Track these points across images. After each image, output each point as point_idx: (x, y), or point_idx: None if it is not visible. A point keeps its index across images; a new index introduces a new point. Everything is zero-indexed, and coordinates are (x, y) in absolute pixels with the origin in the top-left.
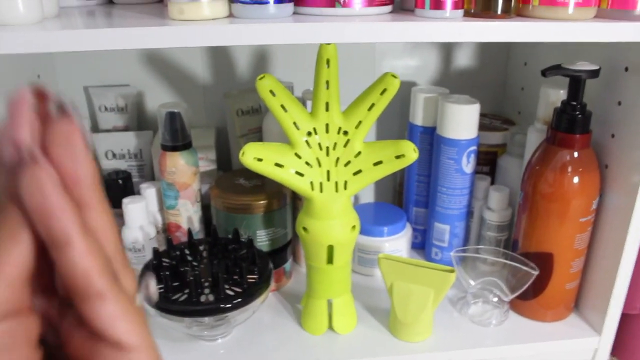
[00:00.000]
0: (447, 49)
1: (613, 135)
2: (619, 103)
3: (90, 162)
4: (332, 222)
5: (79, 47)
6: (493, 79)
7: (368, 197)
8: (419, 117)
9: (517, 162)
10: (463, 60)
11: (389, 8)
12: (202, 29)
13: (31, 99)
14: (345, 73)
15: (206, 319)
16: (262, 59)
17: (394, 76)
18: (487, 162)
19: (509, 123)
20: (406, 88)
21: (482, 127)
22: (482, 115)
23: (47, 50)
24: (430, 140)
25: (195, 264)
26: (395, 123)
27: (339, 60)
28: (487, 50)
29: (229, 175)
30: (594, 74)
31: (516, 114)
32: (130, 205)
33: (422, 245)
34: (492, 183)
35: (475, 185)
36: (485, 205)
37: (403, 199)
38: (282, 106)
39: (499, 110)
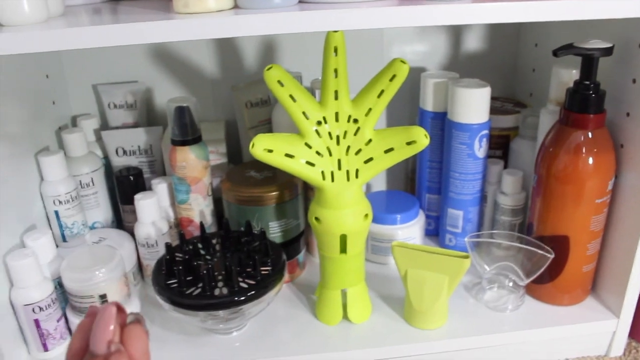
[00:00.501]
0: (456, 33)
1: (628, 114)
2: (634, 81)
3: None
4: (344, 212)
5: (85, 44)
6: (503, 62)
7: (380, 185)
8: (429, 103)
9: (530, 144)
10: (472, 43)
11: None
12: (207, 21)
13: (114, 311)
14: (354, 60)
15: (221, 313)
16: (269, 49)
17: (402, 62)
18: (500, 145)
19: (521, 106)
20: (416, 73)
21: (494, 110)
22: (493, 98)
23: (53, 48)
24: (442, 126)
25: (208, 257)
26: (405, 109)
27: (346, 47)
28: (496, 32)
29: (240, 167)
30: (607, 51)
31: (528, 96)
32: (142, 201)
33: (435, 232)
34: (505, 167)
35: (488, 169)
36: (498, 190)
37: (415, 186)
38: (291, 96)
39: (511, 93)
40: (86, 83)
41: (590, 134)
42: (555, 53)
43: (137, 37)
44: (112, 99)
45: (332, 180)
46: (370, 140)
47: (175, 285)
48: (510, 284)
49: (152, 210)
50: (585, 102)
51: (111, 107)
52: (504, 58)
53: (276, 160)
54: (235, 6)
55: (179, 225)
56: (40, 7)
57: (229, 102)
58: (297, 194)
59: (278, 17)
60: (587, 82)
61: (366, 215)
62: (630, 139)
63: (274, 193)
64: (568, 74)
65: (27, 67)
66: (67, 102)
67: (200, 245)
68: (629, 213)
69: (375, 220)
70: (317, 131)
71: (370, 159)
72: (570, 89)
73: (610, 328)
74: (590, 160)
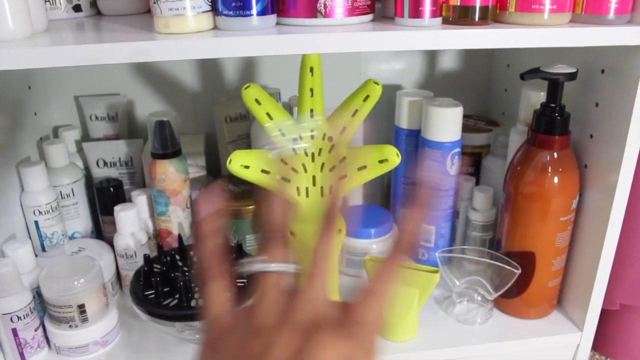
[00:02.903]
0: (432, 53)
1: (591, 136)
2: (597, 104)
3: None
4: (318, 227)
5: (68, 62)
6: (477, 81)
7: (357, 200)
8: (404, 120)
9: (500, 162)
10: (448, 63)
11: (370, 17)
12: (187, 42)
13: None
14: (331, 78)
15: (197, 323)
16: (249, 66)
17: (376, 83)
18: (472, 163)
19: (493, 124)
20: (391, 91)
21: (467, 128)
22: (468, 116)
23: (38, 66)
24: (416, 143)
25: (185, 269)
26: (382, 126)
27: (324, 65)
28: (471, 53)
29: (218, 181)
30: (572, 76)
31: (500, 114)
32: (121, 213)
33: None
34: (477, 184)
35: (461, 186)
36: (470, 206)
37: (390, 201)
38: (268, 114)
39: (484, 111)
40: (68, 95)
41: (555, 154)
42: (523, 77)
43: (118, 56)
44: (94, 111)
45: (307, 196)
46: (344, 158)
47: (152, 296)
48: (479, 298)
49: (132, 221)
50: (551, 124)
51: (92, 119)
52: (478, 77)
53: (252, 176)
54: (215, 27)
55: (157, 236)
56: (25, 23)
57: (209, 116)
58: None
59: (255, 40)
60: (553, 105)
61: (340, 231)
62: (594, 159)
63: (251, 207)
64: (536, 96)
65: (9, 78)
66: (49, 113)
67: (178, 257)
68: (592, 230)
69: (350, 234)
70: (292, 148)
71: (344, 176)
72: (537, 110)
73: (575, 341)
74: (556, 180)
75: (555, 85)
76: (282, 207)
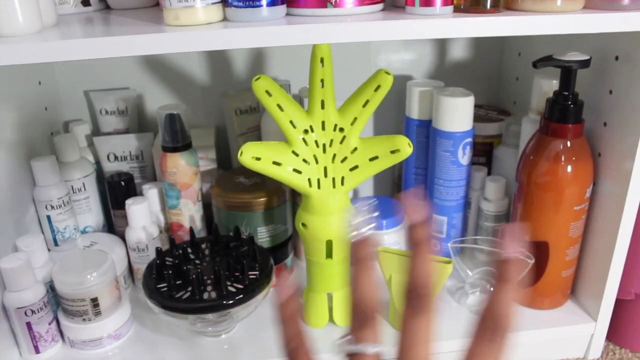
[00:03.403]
0: (442, 43)
1: (605, 124)
2: (610, 92)
3: None
4: (330, 218)
5: (79, 56)
6: (488, 70)
7: (367, 191)
8: (414, 111)
9: (512, 152)
10: (458, 52)
11: (380, 6)
12: (197, 34)
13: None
14: (342, 68)
15: (209, 316)
16: (258, 58)
17: (387, 73)
18: (484, 152)
19: (505, 114)
20: (402, 82)
21: (478, 118)
22: (479, 106)
23: (48, 60)
24: (427, 133)
25: (197, 262)
26: (392, 117)
27: (334, 56)
28: (481, 42)
29: (229, 173)
30: (585, 64)
31: (512, 104)
32: (133, 207)
33: None
34: (489, 173)
35: (472, 176)
36: (482, 196)
37: (402, 192)
38: (279, 105)
39: (495, 101)
40: (78, 89)
41: (569, 143)
42: (535, 65)
43: (128, 49)
44: (104, 106)
45: (319, 187)
46: (355, 149)
47: (165, 289)
48: (492, 288)
49: (143, 215)
50: (564, 112)
51: (103, 114)
52: (489, 67)
53: (264, 167)
54: (225, 19)
55: (169, 230)
56: (35, 18)
57: (219, 109)
58: (285, 200)
59: (265, 31)
60: (566, 93)
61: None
62: (607, 147)
63: (263, 199)
64: (549, 84)
65: (20, 74)
66: (59, 108)
67: (189, 250)
68: (606, 220)
69: None
70: (304, 139)
71: (356, 167)
72: (550, 99)
73: (589, 331)
74: (569, 169)
75: (568, 73)
76: (370, 283)
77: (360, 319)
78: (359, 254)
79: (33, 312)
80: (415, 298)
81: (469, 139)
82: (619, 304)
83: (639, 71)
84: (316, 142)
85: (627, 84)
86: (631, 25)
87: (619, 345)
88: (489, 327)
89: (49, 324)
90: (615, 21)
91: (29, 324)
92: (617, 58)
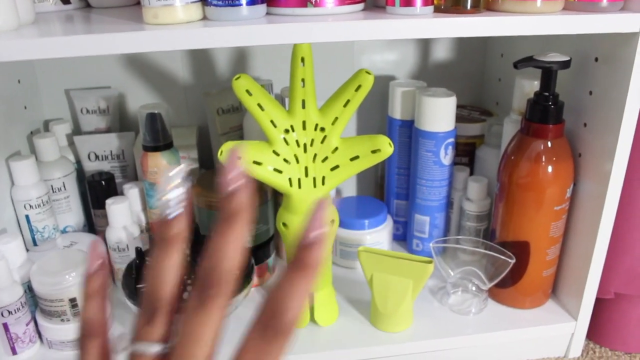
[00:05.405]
0: (425, 43)
1: (585, 124)
2: (590, 93)
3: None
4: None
5: (58, 54)
6: (471, 71)
7: (351, 191)
8: (397, 111)
9: (494, 152)
10: (441, 53)
11: (361, 6)
12: (176, 33)
13: None
14: (324, 68)
15: None
16: (241, 57)
17: (368, 72)
18: (466, 153)
19: (487, 114)
20: (385, 82)
21: (461, 118)
22: (462, 106)
23: (24, 58)
24: (409, 134)
25: None
26: (375, 117)
27: (318, 56)
28: (464, 42)
29: (210, 173)
30: (565, 65)
31: (494, 104)
32: (113, 206)
33: (403, 237)
34: (471, 174)
35: (455, 176)
36: (464, 196)
37: (384, 192)
38: (259, 105)
39: (478, 101)
40: (58, 88)
41: (549, 144)
42: (516, 65)
43: (108, 47)
44: (85, 105)
45: (299, 187)
46: (336, 148)
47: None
48: (474, 288)
49: (124, 214)
50: (544, 113)
51: (84, 113)
52: (472, 67)
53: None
54: (204, 17)
55: (150, 229)
56: (11, 15)
57: (201, 108)
58: (267, 199)
59: (245, 30)
60: (547, 94)
61: (332, 221)
62: (588, 148)
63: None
64: (530, 85)
65: None
66: (39, 107)
67: None
68: (586, 219)
69: (344, 225)
70: (284, 139)
71: (337, 167)
72: (531, 99)
73: (569, 330)
74: (550, 169)
75: (548, 74)
76: (169, 270)
77: (148, 313)
78: (164, 233)
79: (10, 312)
80: (208, 287)
81: (452, 139)
82: (599, 303)
83: (619, 72)
84: (297, 141)
85: (606, 85)
86: (610, 27)
87: (599, 344)
88: (262, 322)
89: (27, 324)
90: (594, 23)
91: (5, 325)
92: (596, 59)
